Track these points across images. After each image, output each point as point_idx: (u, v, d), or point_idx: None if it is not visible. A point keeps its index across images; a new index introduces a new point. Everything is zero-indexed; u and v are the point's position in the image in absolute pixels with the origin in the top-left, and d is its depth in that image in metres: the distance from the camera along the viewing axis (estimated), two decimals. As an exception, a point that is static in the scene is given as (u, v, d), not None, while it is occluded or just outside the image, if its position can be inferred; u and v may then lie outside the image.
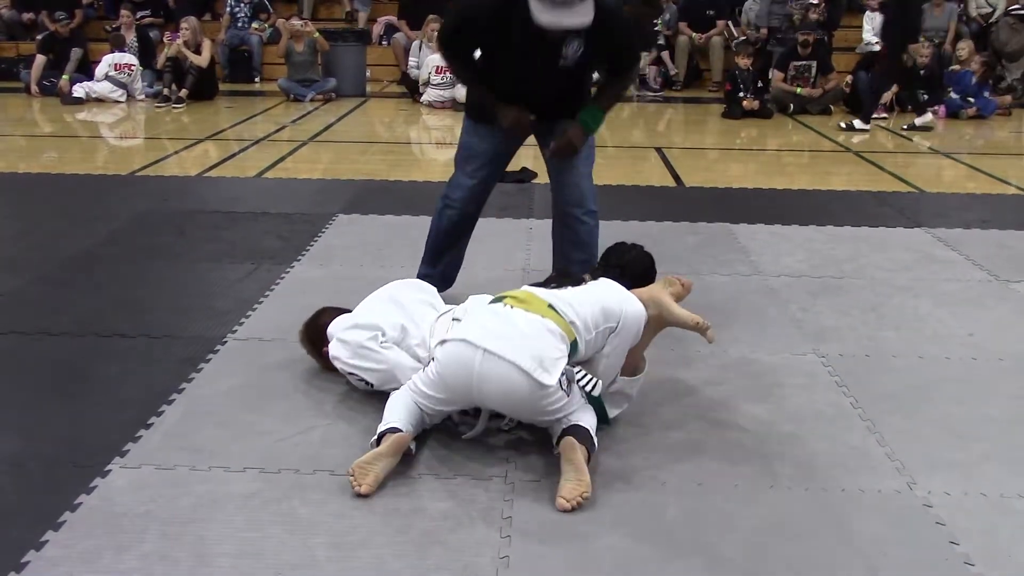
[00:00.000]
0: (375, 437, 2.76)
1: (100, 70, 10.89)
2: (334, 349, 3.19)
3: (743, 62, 10.49)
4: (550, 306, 2.80)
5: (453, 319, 3.10)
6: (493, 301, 2.93)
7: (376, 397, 3.21)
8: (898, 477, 2.78)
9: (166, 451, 2.84)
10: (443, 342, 2.82)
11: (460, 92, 10.58)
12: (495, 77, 3.71)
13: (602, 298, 2.89)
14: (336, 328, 3.26)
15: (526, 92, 3.71)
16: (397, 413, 2.82)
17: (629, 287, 3.01)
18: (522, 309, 2.80)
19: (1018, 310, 4.24)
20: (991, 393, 3.37)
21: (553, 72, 3.60)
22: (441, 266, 4.12)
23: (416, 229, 5.28)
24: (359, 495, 2.60)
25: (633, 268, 3.37)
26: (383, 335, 3.13)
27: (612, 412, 2.98)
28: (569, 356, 2.77)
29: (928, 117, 9.81)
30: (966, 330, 3.96)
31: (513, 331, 2.74)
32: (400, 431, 2.74)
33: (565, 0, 3.27)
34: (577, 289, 2.97)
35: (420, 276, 3.95)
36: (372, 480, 2.62)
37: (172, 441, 2.90)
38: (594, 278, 3.11)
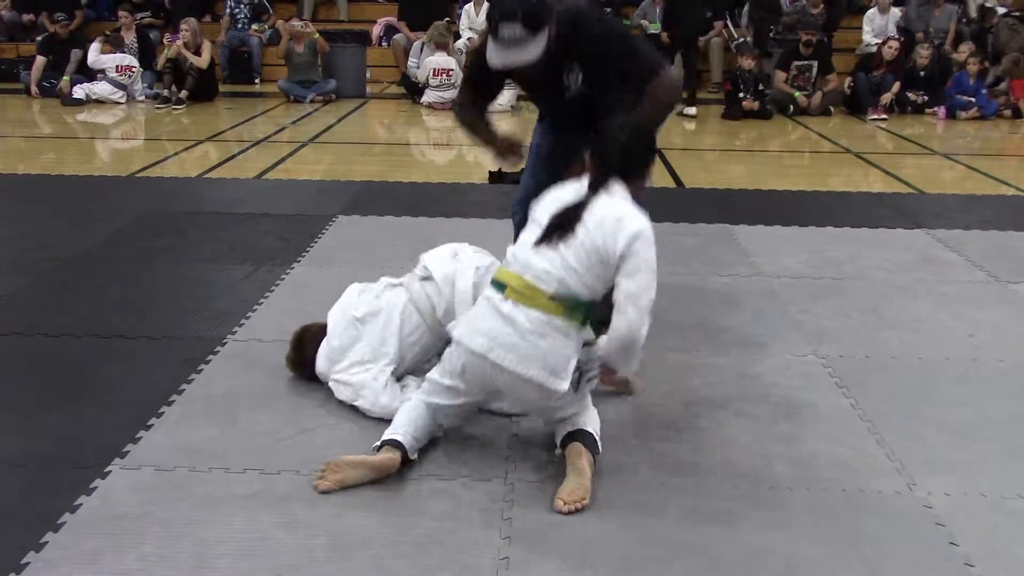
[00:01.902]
0: (378, 443, 2.75)
1: (98, 61, 10.80)
2: (336, 390, 3.16)
3: (747, 63, 10.50)
4: (551, 297, 2.65)
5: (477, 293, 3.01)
6: (494, 285, 2.75)
7: (376, 398, 3.21)
8: (898, 478, 2.78)
9: (166, 452, 2.84)
10: (452, 341, 2.78)
11: (460, 93, 10.61)
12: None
13: (600, 248, 2.67)
14: (326, 366, 3.20)
15: (561, 118, 3.62)
16: (403, 424, 2.79)
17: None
18: (525, 306, 2.66)
19: (1018, 311, 4.24)
20: (991, 394, 3.37)
21: (568, 103, 3.44)
22: None
23: (416, 230, 5.30)
24: (314, 488, 2.62)
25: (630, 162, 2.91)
26: (383, 363, 3.12)
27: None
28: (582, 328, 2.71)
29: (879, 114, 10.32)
30: (966, 331, 3.96)
31: (518, 337, 2.64)
32: (399, 446, 2.72)
33: (510, 39, 3.06)
34: (578, 241, 2.69)
35: None
36: (336, 482, 2.63)
37: (172, 442, 2.90)
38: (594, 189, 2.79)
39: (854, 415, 3.18)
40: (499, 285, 2.72)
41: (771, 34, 11.90)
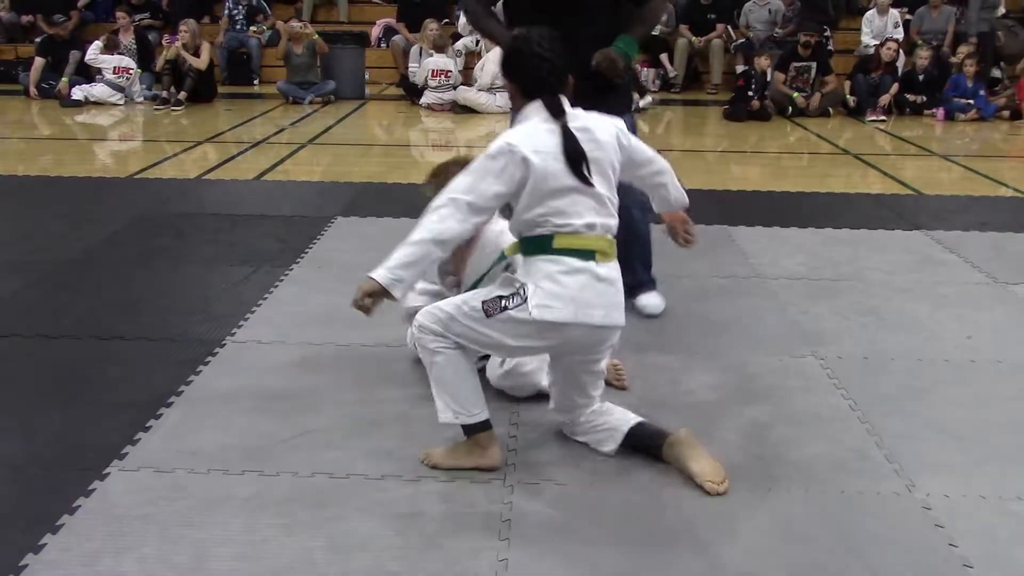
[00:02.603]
0: (468, 422, 2.73)
1: (96, 57, 10.81)
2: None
3: (764, 62, 10.53)
4: (611, 240, 2.69)
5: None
6: (575, 255, 2.63)
7: (376, 396, 3.21)
8: (897, 479, 2.78)
9: (165, 454, 2.83)
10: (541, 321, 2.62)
11: (460, 94, 10.62)
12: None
13: (614, 163, 2.72)
14: None
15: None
16: (475, 397, 2.74)
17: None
18: (610, 262, 2.68)
19: (1016, 312, 4.24)
20: (990, 395, 3.37)
21: (576, 19, 3.55)
22: None
23: (415, 231, 5.29)
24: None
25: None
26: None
27: None
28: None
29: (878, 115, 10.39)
30: (965, 332, 3.96)
31: (616, 291, 2.68)
32: (489, 426, 2.76)
33: None
34: (605, 175, 2.69)
35: None
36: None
37: (171, 444, 2.90)
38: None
39: (853, 416, 3.18)
40: (583, 253, 2.63)
41: (826, 42, 11.90)
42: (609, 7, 3.76)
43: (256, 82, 12.54)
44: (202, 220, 5.58)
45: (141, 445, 2.88)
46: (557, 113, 2.66)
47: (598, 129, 2.70)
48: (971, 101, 10.62)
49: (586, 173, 2.62)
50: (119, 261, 4.78)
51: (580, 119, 2.68)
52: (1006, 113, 10.68)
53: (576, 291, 2.62)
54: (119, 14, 11.85)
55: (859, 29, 12.31)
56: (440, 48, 11.08)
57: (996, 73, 11.69)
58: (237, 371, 3.44)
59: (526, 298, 2.61)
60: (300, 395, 3.25)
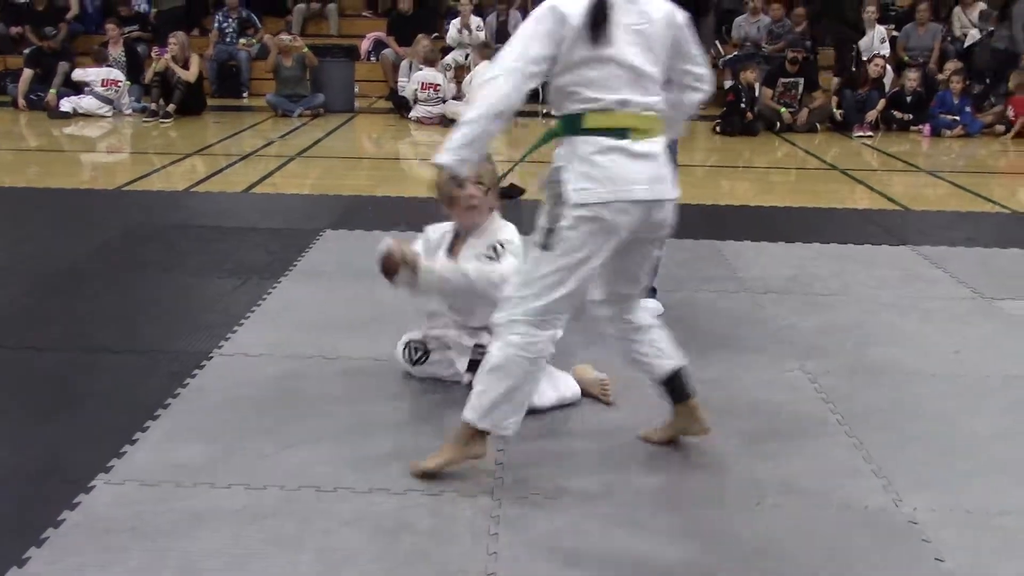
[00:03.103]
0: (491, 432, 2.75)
1: (82, 75, 10.82)
2: None
3: (750, 76, 10.60)
4: (650, 116, 2.66)
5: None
6: (610, 134, 2.60)
7: (364, 409, 3.21)
8: (884, 494, 2.78)
9: (151, 467, 2.82)
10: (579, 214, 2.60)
11: (448, 108, 10.64)
12: None
13: (669, 43, 2.69)
14: None
15: None
16: (518, 417, 2.75)
17: None
18: (650, 138, 2.65)
19: (1003, 328, 4.27)
20: (976, 410, 3.39)
21: None
22: None
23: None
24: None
25: None
26: None
27: None
28: None
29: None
30: (951, 347, 3.98)
31: (657, 167, 2.68)
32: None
33: None
34: (658, 49, 2.66)
35: None
36: None
37: (157, 457, 2.88)
38: None
39: (840, 431, 3.18)
40: (615, 131, 2.61)
41: (851, 52, 11.95)
42: None
43: (245, 95, 12.55)
44: (191, 232, 5.57)
45: (127, 458, 2.87)
46: None
47: (649, 2, 2.64)
48: (957, 117, 10.70)
49: (607, 36, 2.55)
50: (107, 273, 4.77)
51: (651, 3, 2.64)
52: (1000, 128, 10.71)
53: (613, 170, 2.59)
54: (108, 26, 11.85)
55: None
56: (430, 62, 11.11)
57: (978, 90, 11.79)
58: (225, 383, 3.43)
59: (561, 184, 2.60)
60: (288, 408, 3.24)
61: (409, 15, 12.71)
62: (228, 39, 12.65)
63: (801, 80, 10.84)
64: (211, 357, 3.66)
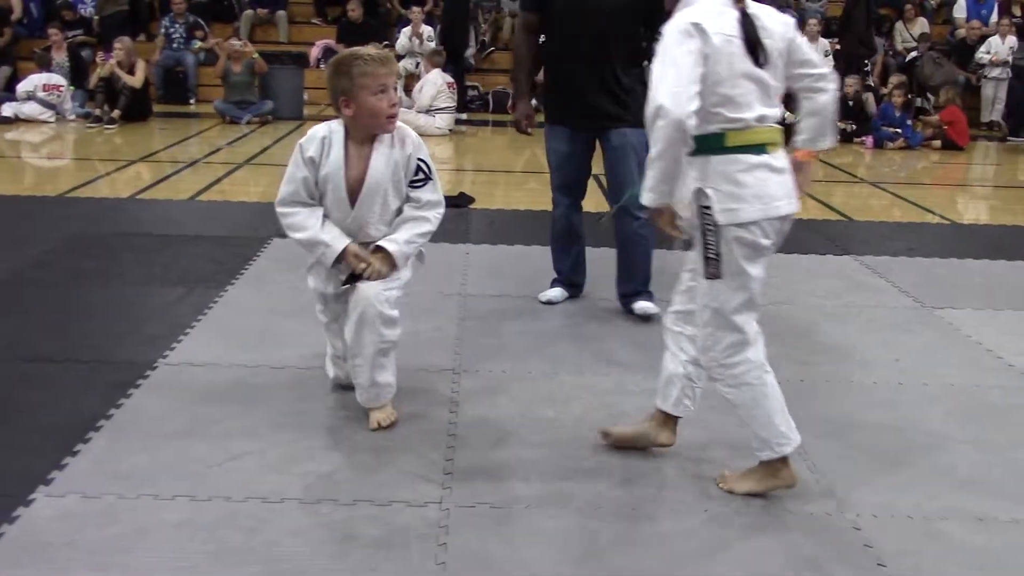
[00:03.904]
0: (786, 451, 2.77)
1: (23, 87, 10.67)
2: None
3: None
4: (780, 129, 2.70)
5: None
6: (750, 150, 2.63)
7: (311, 419, 3.18)
8: (827, 500, 2.82)
9: (93, 479, 2.77)
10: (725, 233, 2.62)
11: (399, 116, 10.59)
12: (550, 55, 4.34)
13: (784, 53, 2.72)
14: None
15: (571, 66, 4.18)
16: (788, 419, 2.79)
17: None
18: (778, 152, 2.67)
19: (943, 336, 4.35)
20: (917, 418, 3.45)
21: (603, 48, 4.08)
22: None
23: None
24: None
25: None
26: None
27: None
28: None
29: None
30: (893, 356, 4.05)
31: (790, 181, 2.70)
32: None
33: None
34: (776, 64, 2.69)
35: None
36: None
37: (99, 469, 2.83)
38: None
39: (785, 438, 3.22)
40: (756, 147, 2.63)
41: (865, 68, 12.10)
42: (630, 39, 4.19)
43: (192, 101, 12.42)
44: (135, 240, 5.49)
45: (68, 470, 2.82)
46: None
47: (766, 15, 2.66)
48: (899, 130, 10.91)
49: (762, 59, 2.60)
50: (49, 282, 4.68)
51: (750, 3, 2.64)
52: (937, 143, 10.93)
53: (758, 187, 2.62)
54: (51, 31, 11.66)
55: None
56: (380, 70, 11.06)
57: (920, 102, 12.05)
58: (169, 393, 3.39)
59: (710, 209, 2.61)
60: (233, 418, 3.20)
61: (359, 23, 12.67)
62: (175, 44, 12.51)
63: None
64: (155, 367, 3.61)
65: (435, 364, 3.74)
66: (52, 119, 10.63)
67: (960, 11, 13.49)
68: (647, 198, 2.65)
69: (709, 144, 2.63)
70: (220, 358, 3.71)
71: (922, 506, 2.81)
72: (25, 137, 9.78)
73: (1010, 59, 12.37)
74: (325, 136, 3.13)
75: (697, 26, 2.55)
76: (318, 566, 2.40)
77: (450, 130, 10.63)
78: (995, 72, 12.41)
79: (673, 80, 2.53)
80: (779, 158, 2.68)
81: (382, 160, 3.13)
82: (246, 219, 6.24)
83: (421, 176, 3.18)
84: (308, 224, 3.16)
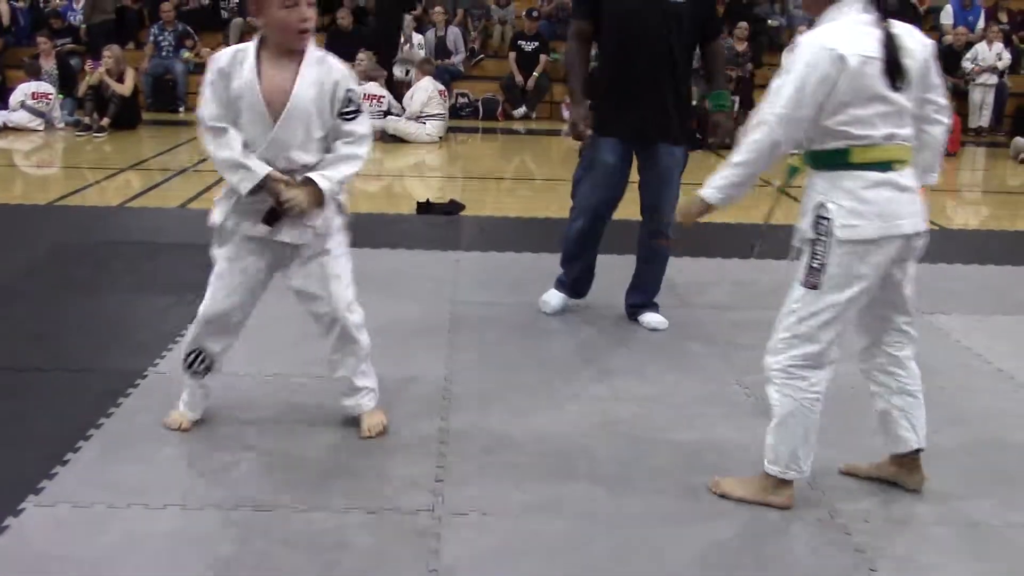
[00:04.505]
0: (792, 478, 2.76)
1: (15, 98, 10.66)
2: None
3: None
4: (909, 147, 2.65)
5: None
6: (874, 167, 2.60)
7: (301, 427, 3.17)
8: (819, 505, 2.83)
9: (84, 488, 2.76)
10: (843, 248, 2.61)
11: (389, 124, 10.61)
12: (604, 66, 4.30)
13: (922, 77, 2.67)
14: None
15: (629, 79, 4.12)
16: (810, 454, 2.77)
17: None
18: (905, 170, 2.63)
19: (932, 341, 4.35)
20: (908, 422, 3.45)
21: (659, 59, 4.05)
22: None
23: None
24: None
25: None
26: None
27: None
28: None
29: None
30: (883, 360, 4.04)
31: (917, 200, 2.69)
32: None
33: None
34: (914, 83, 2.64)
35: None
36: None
37: (90, 478, 2.82)
38: None
39: (777, 444, 3.22)
40: (881, 164, 2.60)
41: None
42: (688, 48, 4.19)
43: (181, 109, 12.39)
44: (124, 249, 5.48)
45: (58, 479, 2.80)
46: (882, 11, 2.55)
47: (907, 35, 2.60)
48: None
49: (899, 83, 2.54)
50: (37, 291, 4.67)
51: (893, 23, 2.59)
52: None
53: (882, 205, 2.59)
54: (40, 39, 11.63)
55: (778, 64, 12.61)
56: (372, 79, 11.08)
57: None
58: (159, 402, 3.37)
59: (829, 221, 2.60)
60: (224, 426, 3.19)
61: (348, 31, 12.67)
62: (164, 53, 12.49)
63: (737, 99, 11.00)
64: (145, 376, 3.60)
65: (426, 371, 3.74)
66: (41, 127, 10.60)
67: (947, 17, 13.57)
68: (711, 195, 2.71)
69: (834, 160, 2.61)
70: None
71: (913, 511, 2.82)
72: (14, 145, 9.75)
73: (997, 65, 12.45)
74: (239, 50, 2.96)
75: (830, 51, 2.50)
76: (310, 574, 2.39)
77: (440, 137, 10.63)
78: (982, 78, 12.49)
79: (791, 102, 2.54)
80: (906, 176, 2.64)
81: (309, 81, 2.92)
82: (236, 227, 6.21)
83: (353, 108, 2.99)
84: (233, 144, 2.97)
